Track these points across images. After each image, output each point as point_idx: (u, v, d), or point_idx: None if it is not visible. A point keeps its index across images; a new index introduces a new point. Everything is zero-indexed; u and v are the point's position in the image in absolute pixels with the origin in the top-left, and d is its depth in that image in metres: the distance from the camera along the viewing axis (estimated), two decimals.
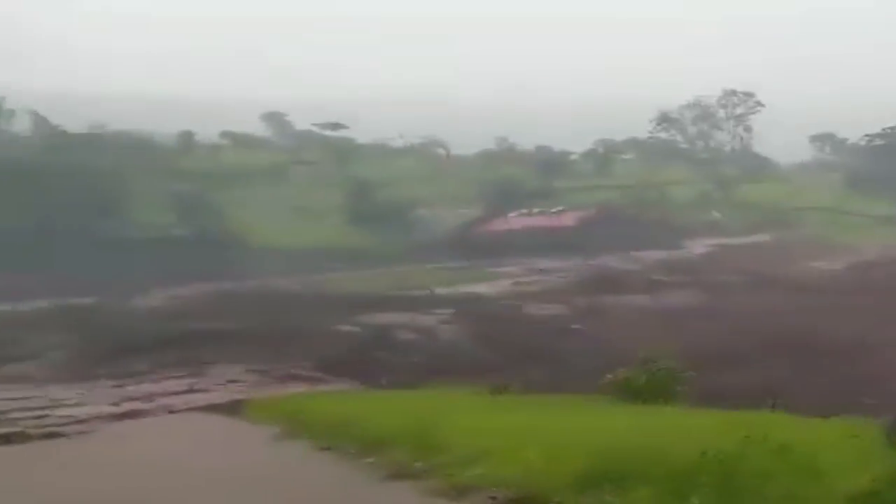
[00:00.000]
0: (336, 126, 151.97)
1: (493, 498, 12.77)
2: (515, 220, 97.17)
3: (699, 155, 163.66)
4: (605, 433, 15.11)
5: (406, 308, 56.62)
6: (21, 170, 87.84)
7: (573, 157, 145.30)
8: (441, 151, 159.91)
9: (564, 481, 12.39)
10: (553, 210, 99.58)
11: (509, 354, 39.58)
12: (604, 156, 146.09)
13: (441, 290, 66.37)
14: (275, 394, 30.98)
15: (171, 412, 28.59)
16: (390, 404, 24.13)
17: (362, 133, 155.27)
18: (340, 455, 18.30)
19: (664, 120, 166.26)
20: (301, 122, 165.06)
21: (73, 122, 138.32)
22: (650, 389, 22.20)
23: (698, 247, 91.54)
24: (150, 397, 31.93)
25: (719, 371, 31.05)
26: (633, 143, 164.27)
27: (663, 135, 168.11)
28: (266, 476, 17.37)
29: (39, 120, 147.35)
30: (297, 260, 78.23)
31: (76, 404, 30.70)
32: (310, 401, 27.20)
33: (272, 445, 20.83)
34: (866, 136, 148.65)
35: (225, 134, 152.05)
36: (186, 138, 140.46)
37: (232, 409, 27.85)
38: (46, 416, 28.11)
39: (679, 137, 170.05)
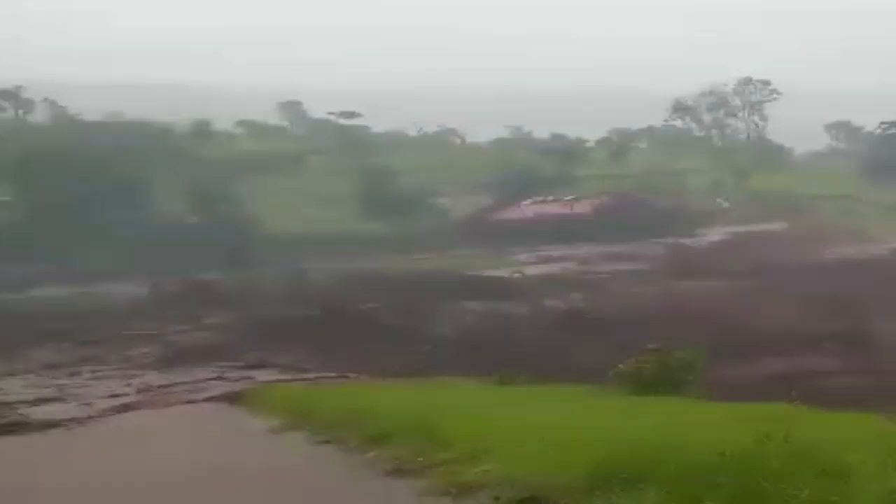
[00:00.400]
0: (351, 115, 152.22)
1: (497, 498, 12.00)
2: (528, 208, 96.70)
3: (714, 143, 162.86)
4: (615, 428, 14.31)
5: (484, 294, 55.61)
6: (41, 159, 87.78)
7: (588, 144, 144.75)
8: (456, 140, 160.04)
9: (572, 480, 11.63)
10: (566, 198, 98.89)
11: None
12: (618, 144, 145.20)
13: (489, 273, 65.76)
14: (282, 384, 30.00)
15: (178, 403, 27.68)
16: (396, 396, 23.19)
17: (377, 122, 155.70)
18: (340, 449, 17.55)
19: (679, 108, 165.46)
20: (316, 111, 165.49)
21: (89, 112, 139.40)
22: (662, 380, 21.42)
23: (714, 234, 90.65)
24: (164, 388, 31.11)
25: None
26: (649, 132, 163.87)
27: (678, 123, 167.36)
28: (258, 470, 16.59)
29: (57, 109, 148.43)
30: (317, 247, 77.92)
31: (89, 394, 30.01)
32: (315, 391, 26.29)
33: (269, 438, 20.08)
34: (882, 123, 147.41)
35: (241, 123, 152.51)
36: (202, 127, 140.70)
37: (239, 399, 26.92)
38: (53, 405, 27.64)
39: (694, 126, 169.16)
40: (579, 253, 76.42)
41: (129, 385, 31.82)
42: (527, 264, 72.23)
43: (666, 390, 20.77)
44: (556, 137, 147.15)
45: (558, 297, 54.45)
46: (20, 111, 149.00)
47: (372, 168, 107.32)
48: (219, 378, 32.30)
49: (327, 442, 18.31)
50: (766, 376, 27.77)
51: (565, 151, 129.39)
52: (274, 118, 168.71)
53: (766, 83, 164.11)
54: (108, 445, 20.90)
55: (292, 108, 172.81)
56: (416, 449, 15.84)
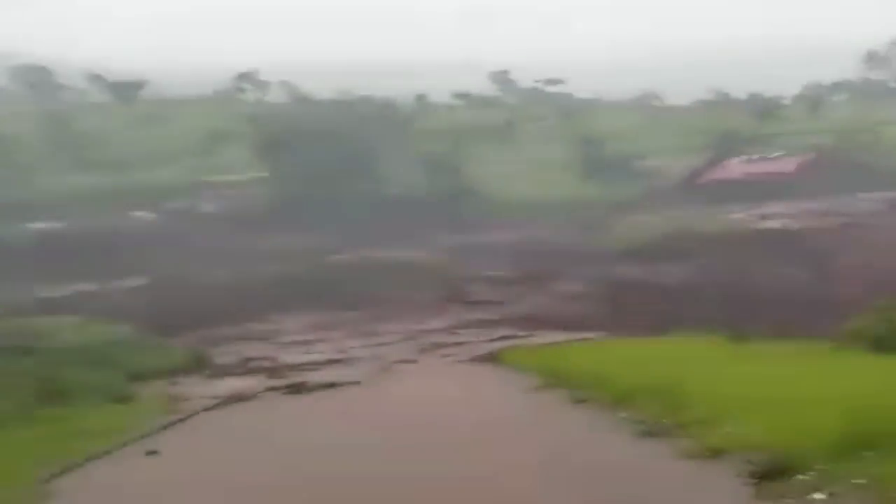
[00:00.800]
0: (555, 82, 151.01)
1: (750, 462, 11.77)
2: (736, 167, 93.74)
3: None
4: (857, 391, 13.82)
5: None
6: (285, 137, 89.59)
7: (784, 102, 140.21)
8: (657, 104, 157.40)
9: (820, 445, 11.39)
10: (772, 156, 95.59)
11: None
12: (814, 100, 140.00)
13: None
14: (535, 343, 29.83)
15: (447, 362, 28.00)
16: (640, 354, 23.16)
17: (580, 88, 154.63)
18: (595, 408, 17.81)
19: (872, 59, 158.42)
20: (523, 80, 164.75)
21: (320, 91, 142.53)
22: (891, 339, 20.48)
23: None
24: (441, 347, 31.38)
25: None
26: (844, 86, 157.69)
27: (873, 75, 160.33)
28: (526, 427, 17.11)
29: (291, 89, 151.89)
30: (544, 211, 76.31)
31: (360, 356, 30.53)
32: (567, 351, 26.20)
33: (531, 396, 20.38)
34: None
35: (457, 95, 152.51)
36: (422, 101, 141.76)
37: (498, 359, 26.99)
38: (329, 367, 28.33)
39: (889, 76, 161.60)
40: (795, 209, 71.43)
41: (414, 347, 31.94)
42: (748, 221, 68.62)
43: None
44: (753, 97, 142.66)
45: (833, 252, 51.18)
46: (259, 93, 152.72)
47: (581, 133, 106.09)
48: (501, 338, 31.98)
49: (584, 401, 18.54)
50: None
51: (763, 110, 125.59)
52: (486, 89, 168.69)
53: None
54: (380, 404, 21.50)
55: (502, 77, 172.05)
56: (660, 409, 15.98)
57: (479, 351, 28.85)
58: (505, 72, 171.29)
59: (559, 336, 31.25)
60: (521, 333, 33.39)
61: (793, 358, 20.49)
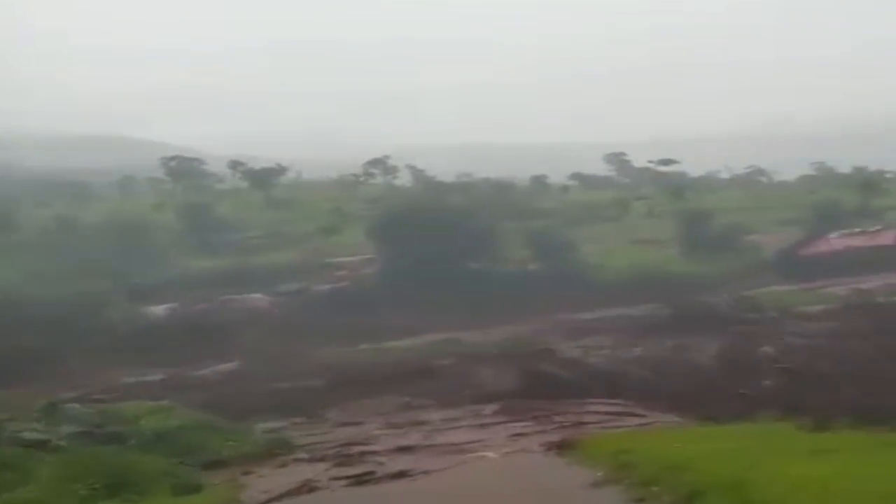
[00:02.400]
0: (668, 162, 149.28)
1: None
2: (837, 241, 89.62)
3: None
4: None
5: None
6: (396, 218, 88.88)
7: (888, 175, 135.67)
8: (763, 180, 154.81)
9: None
10: (872, 229, 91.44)
11: None
12: None
13: None
14: (614, 431, 26.92)
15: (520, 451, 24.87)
16: (712, 445, 19.74)
17: (692, 167, 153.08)
18: None
19: None
20: (638, 160, 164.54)
21: (444, 173, 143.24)
22: None
23: None
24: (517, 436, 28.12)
25: None
26: None
27: None
28: None
29: (416, 172, 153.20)
30: (647, 287, 73.07)
31: (437, 443, 27.74)
32: (641, 438, 23.51)
33: (587, 493, 17.56)
34: None
35: (574, 175, 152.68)
36: (539, 181, 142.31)
37: (568, 446, 23.52)
38: (401, 455, 25.86)
39: None
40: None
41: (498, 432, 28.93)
42: (844, 295, 65.08)
43: None
44: (858, 171, 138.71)
45: None
46: (388, 177, 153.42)
47: (687, 210, 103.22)
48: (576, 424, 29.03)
49: (640, 500, 15.86)
50: None
51: (867, 184, 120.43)
52: (601, 170, 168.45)
53: None
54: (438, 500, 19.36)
55: (616, 159, 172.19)
56: None
57: (553, 437, 25.93)
58: (620, 153, 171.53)
59: (639, 419, 28.72)
60: (609, 415, 30.73)
61: (882, 451, 17.28)
